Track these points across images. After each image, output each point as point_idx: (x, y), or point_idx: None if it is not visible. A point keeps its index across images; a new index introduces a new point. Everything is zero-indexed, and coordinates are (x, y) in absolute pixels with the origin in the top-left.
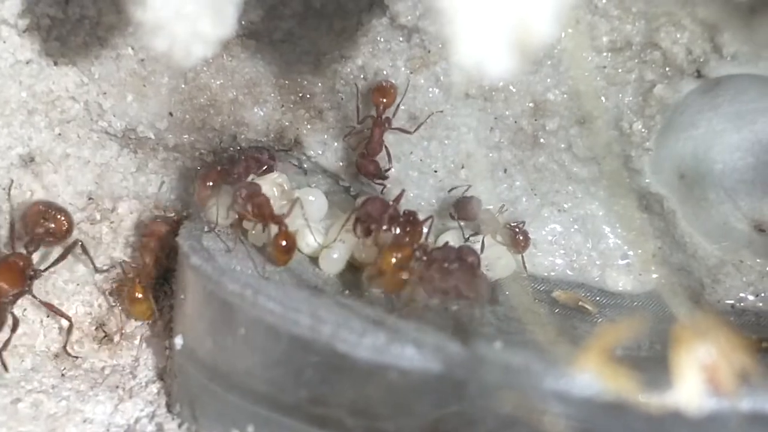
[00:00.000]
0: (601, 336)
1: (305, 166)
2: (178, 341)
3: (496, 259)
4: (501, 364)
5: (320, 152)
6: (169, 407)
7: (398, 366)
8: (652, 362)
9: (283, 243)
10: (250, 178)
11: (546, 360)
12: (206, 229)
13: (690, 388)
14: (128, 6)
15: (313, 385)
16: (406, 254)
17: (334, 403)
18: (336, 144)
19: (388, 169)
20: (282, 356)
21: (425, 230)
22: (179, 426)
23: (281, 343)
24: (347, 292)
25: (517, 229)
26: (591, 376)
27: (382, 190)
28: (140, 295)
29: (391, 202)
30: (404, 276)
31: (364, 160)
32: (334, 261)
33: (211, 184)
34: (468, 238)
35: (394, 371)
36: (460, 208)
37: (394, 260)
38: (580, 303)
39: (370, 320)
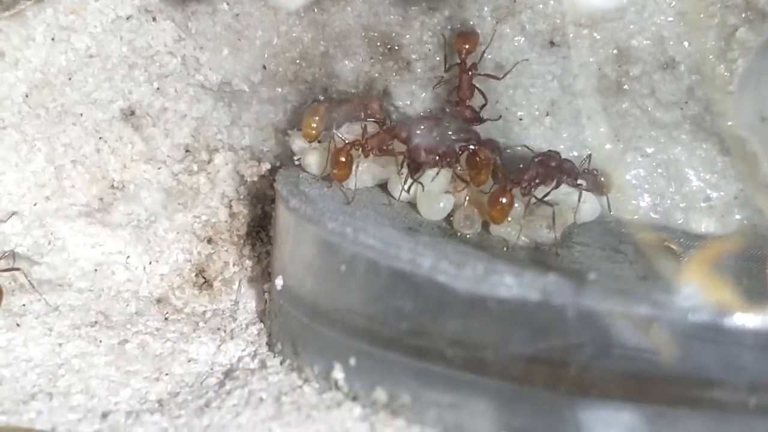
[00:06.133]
0: (705, 249)
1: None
2: (278, 282)
3: (582, 203)
4: (602, 288)
5: (408, 102)
6: (270, 346)
7: (497, 295)
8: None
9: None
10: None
11: (650, 276)
12: (301, 175)
13: None
14: None
15: (413, 317)
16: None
17: (434, 335)
18: (424, 94)
19: (484, 105)
20: (382, 291)
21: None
22: (281, 363)
23: (382, 278)
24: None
25: (596, 172)
26: (695, 288)
27: None
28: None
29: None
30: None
31: (459, 107)
32: (438, 210)
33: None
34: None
35: (493, 301)
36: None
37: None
38: (666, 243)
39: (468, 253)
